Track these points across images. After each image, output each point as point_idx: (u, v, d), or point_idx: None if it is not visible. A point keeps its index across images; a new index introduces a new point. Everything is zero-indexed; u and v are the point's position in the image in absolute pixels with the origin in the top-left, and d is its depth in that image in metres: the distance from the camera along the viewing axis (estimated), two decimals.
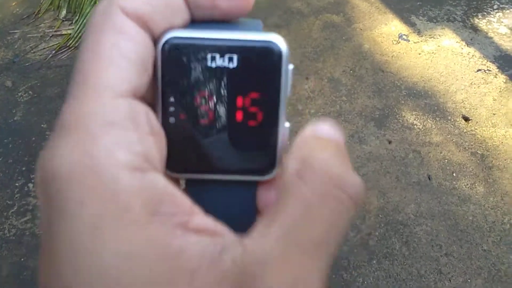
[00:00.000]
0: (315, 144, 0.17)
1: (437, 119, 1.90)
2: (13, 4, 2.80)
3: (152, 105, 0.18)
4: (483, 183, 1.66)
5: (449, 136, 1.83)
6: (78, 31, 2.47)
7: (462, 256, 1.45)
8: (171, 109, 0.18)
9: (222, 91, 0.18)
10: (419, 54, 2.23)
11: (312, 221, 0.15)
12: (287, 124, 0.19)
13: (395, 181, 1.67)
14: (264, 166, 0.19)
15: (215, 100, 0.18)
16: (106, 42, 0.16)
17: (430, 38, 2.33)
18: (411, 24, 2.43)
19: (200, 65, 0.18)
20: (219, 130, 0.18)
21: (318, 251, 0.15)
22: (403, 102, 1.99)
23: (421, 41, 2.31)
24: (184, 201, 0.16)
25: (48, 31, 2.54)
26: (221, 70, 0.18)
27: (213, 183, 0.19)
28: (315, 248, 0.15)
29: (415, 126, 1.88)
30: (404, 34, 2.36)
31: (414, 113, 1.93)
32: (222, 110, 0.18)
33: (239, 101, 0.18)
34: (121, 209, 0.14)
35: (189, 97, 0.18)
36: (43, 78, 2.24)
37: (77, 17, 2.55)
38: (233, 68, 0.18)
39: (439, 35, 2.34)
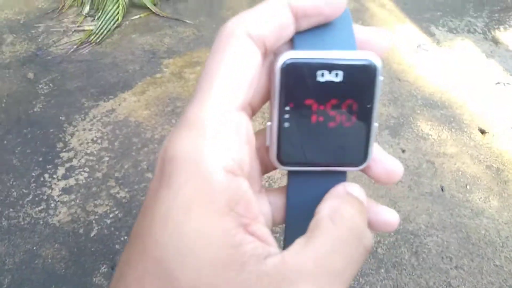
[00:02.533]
0: (346, 199, 0.22)
1: (453, 130, 1.88)
2: None
3: (254, 110, 0.23)
4: (498, 197, 1.63)
5: (464, 148, 1.81)
6: (100, 27, 2.52)
7: (472, 270, 1.43)
8: (286, 116, 0.22)
9: (329, 101, 0.22)
10: (438, 64, 2.21)
11: (338, 254, 0.20)
12: (376, 124, 0.23)
13: (407, 191, 1.66)
14: (359, 158, 0.24)
15: (323, 108, 0.22)
16: (229, 60, 0.21)
17: (449, 49, 2.31)
18: (430, 34, 2.41)
19: (311, 80, 0.22)
20: (324, 132, 0.23)
21: (339, 277, 0.20)
22: (419, 111, 1.97)
23: (440, 51, 2.29)
24: (254, 208, 0.20)
25: (71, 26, 2.60)
26: (329, 83, 0.22)
27: (313, 173, 0.24)
28: (337, 274, 0.20)
29: (430, 136, 1.86)
30: (423, 44, 2.34)
31: (429, 123, 1.92)
32: (328, 116, 0.22)
33: (343, 107, 0.22)
34: (209, 199, 0.19)
35: (302, 106, 0.22)
36: (64, 71, 2.29)
37: (99, 14, 2.61)
38: (339, 82, 0.22)
39: (459, 46, 2.32)
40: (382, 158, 0.25)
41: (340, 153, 0.23)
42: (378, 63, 0.22)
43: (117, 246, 1.51)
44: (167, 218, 0.19)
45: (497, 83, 2.09)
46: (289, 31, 0.22)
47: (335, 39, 0.22)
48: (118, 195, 1.67)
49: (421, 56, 2.27)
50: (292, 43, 0.22)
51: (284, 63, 0.21)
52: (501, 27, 2.43)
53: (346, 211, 0.22)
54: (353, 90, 0.22)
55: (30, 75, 2.26)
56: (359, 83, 0.22)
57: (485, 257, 1.46)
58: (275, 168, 0.25)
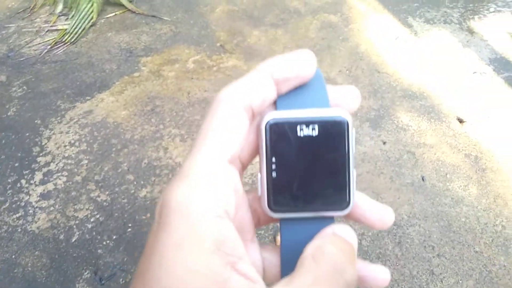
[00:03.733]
0: (330, 238, 0.25)
1: (432, 120, 1.91)
2: None
3: (244, 164, 0.27)
4: (476, 185, 1.66)
5: (444, 137, 1.83)
6: (74, 26, 2.45)
7: (454, 257, 1.46)
8: (273, 166, 0.25)
9: (309, 152, 0.25)
10: (415, 55, 2.23)
11: None
12: (355, 172, 0.26)
13: (389, 182, 1.67)
14: (343, 203, 0.26)
15: (305, 158, 0.25)
16: (220, 121, 0.24)
17: (426, 39, 2.33)
18: (408, 26, 2.43)
19: (292, 135, 0.25)
20: (308, 180, 0.25)
21: None
22: (398, 103, 1.99)
23: (418, 42, 2.31)
24: (240, 248, 0.23)
25: (43, 26, 2.52)
26: (308, 137, 0.25)
27: (302, 219, 0.26)
28: None
29: (410, 127, 1.88)
30: (401, 35, 2.36)
31: (409, 114, 1.94)
32: (309, 165, 0.25)
33: (322, 158, 0.25)
34: (198, 240, 0.21)
35: (286, 157, 0.25)
36: (38, 73, 2.22)
37: (73, 13, 2.54)
38: (315, 135, 0.25)
39: (436, 37, 2.35)
40: (373, 208, 0.27)
41: (324, 199, 0.26)
42: (348, 118, 0.25)
43: (99, 251, 1.48)
44: (162, 256, 0.21)
45: (473, 73, 2.13)
46: (272, 96, 0.26)
47: (311, 98, 0.26)
48: (98, 199, 1.64)
49: (399, 47, 2.29)
50: (275, 104, 0.26)
51: (268, 122, 0.25)
52: (476, 17, 2.47)
53: (327, 249, 0.24)
54: (329, 142, 0.25)
55: (2, 78, 2.19)
56: (333, 136, 0.25)
57: (466, 244, 1.49)
58: (269, 221, 0.27)
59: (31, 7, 2.65)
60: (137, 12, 2.58)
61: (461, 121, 1.89)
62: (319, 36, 2.37)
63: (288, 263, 0.25)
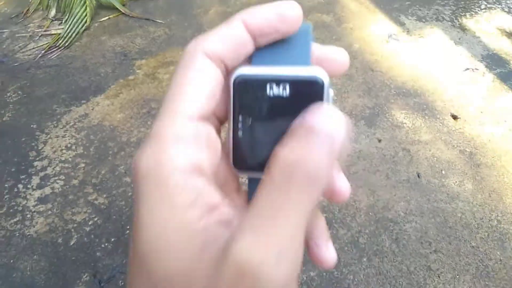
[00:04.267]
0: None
1: (426, 117, 1.92)
2: (1, 3, 2.77)
3: (221, 120, 0.26)
4: (472, 180, 1.68)
5: (438, 134, 1.85)
6: (68, 31, 2.45)
7: (450, 252, 1.47)
8: (239, 125, 0.24)
9: (278, 113, 0.23)
10: (409, 53, 2.25)
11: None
12: None
13: (385, 179, 1.69)
14: None
15: (272, 119, 0.23)
16: (187, 78, 0.23)
17: (419, 37, 2.35)
18: (401, 24, 2.45)
19: (261, 93, 0.23)
20: (274, 142, 0.23)
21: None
22: (392, 101, 2.00)
23: (411, 40, 2.33)
24: (214, 199, 0.22)
25: (37, 30, 2.52)
26: (277, 97, 0.23)
27: None
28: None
29: (404, 124, 1.90)
30: (394, 34, 2.38)
31: (403, 111, 1.95)
32: (277, 126, 0.23)
33: (291, 119, 0.22)
34: (169, 199, 0.21)
35: (254, 117, 0.24)
36: (32, 78, 2.22)
37: (66, 17, 2.54)
38: (286, 96, 0.23)
39: (428, 35, 2.37)
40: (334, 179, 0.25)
41: None
42: (325, 78, 0.23)
43: (98, 254, 1.48)
44: (140, 226, 0.22)
45: (466, 69, 2.15)
46: (248, 49, 0.24)
47: (290, 55, 0.24)
48: (96, 202, 1.64)
49: (392, 45, 2.30)
50: (250, 59, 0.24)
51: (236, 78, 0.23)
52: (467, 14, 2.49)
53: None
54: (301, 103, 0.22)
55: None
56: (307, 98, 0.23)
57: (462, 239, 1.51)
58: None
59: (24, 12, 2.65)
60: (130, 15, 2.58)
61: (455, 117, 1.91)
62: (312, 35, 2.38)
63: None
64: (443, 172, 1.71)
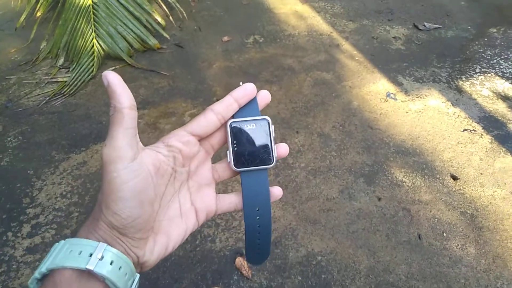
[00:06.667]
0: None
1: (426, 177, 1.91)
2: (13, 50, 2.86)
3: (215, 148, 0.48)
4: (474, 244, 1.64)
5: (438, 194, 1.83)
6: (74, 79, 2.51)
7: None
8: (235, 145, 0.45)
9: (251, 136, 0.45)
10: (407, 112, 2.29)
11: None
12: (273, 142, 0.46)
13: (385, 240, 1.64)
14: (270, 161, 0.46)
15: (249, 140, 0.45)
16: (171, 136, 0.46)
17: (417, 97, 2.41)
18: (398, 84, 2.52)
19: (242, 128, 0.45)
20: (252, 150, 0.46)
21: None
22: (392, 159, 2.01)
23: (408, 100, 2.39)
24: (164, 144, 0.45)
25: (44, 78, 2.58)
26: (250, 129, 0.45)
27: (252, 171, 0.46)
28: None
29: (404, 183, 1.88)
30: (392, 93, 2.44)
31: (403, 170, 1.95)
32: (252, 143, 0.46)
33: (258, 139, 0.46)
34: (121, 157, 0.37)
35: (241, 140, 0.45)
36: (34, 123, 2.23)
37: (74, 66, 2.61)
38: (254, 128, 0.45)
39: (426, 95, 2.43)
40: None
41: (261, 160, 0.46)
42: (269, 119, 0.46)
43: None
44: (104, 182, 0.37)
45: (464, 130, 2.17)
46: (214, 126, 0.45)
47: (250, 111, 0.46)
48: None
49: (390, 104, 2.35)
50: (233, 115, 0.46)
51: (230, 123, 0.45)
52: (463, 77, 2.57)
53: None
54: (260, 131, 0.45)
55: None
56: (262, 128, 0.46)
57: None
58: (226, 177, 0.49)
59: (33, 60, 2.73)
60: (136, 66, 2.66)
61: (455, 178, 1.90)
62: (312, 92, 2.44)
63: (248, 199, 0.46)
64: (445, 234, 1.67)
